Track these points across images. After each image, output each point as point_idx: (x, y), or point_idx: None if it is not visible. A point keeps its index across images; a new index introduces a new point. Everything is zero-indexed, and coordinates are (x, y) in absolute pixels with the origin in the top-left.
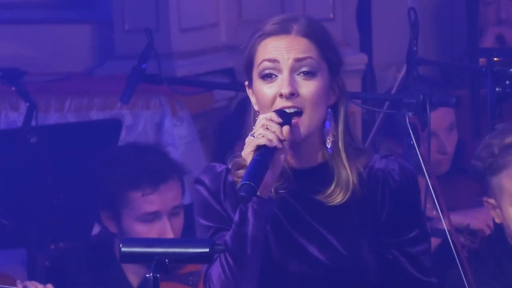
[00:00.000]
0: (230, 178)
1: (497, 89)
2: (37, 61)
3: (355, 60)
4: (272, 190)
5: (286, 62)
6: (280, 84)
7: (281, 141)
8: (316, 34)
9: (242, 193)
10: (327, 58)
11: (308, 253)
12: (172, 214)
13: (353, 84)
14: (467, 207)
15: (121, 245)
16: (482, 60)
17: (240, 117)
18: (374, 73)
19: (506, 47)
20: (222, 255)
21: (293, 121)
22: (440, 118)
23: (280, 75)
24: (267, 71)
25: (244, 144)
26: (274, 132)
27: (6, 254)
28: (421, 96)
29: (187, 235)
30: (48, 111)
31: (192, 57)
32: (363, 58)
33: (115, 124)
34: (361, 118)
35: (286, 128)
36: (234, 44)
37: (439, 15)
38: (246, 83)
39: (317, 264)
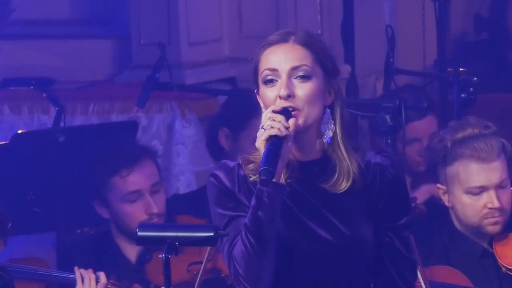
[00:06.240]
0: (242, 172)
1: (462, 95)
2: (65, 71)
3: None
4: (283, 178)
5: (284, 70)
6: (279, 87)
7: (286, 129)
8: (312, 42)
9: (263, 177)
10: (322, 63)
11: (316, 234)
12: (152, 191)
13: None
14: None
15: (137, 230)
16: (449, 70)
17: (223, 115)
18: (357, 81)
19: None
20: (244, 236)
21: (293, 113)
22: (426, 125)
23: (280, 80)
24: (268, 77)
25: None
26: (280, 121)
27: (38, 237)
28: (397, 101)
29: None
30: (74, 114)
31: (199, 67)
32: (347, 68)
33: (133, 125)
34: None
35: (290, 119)
36: (235, 56)
37: (413, 31)
38: (255, 90)
39: (325, 243)
